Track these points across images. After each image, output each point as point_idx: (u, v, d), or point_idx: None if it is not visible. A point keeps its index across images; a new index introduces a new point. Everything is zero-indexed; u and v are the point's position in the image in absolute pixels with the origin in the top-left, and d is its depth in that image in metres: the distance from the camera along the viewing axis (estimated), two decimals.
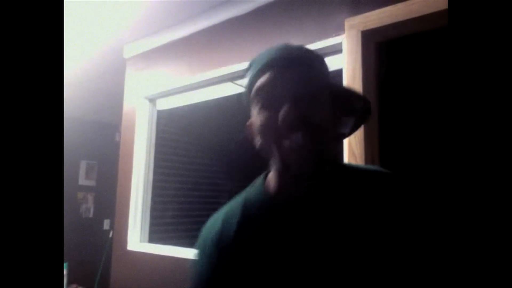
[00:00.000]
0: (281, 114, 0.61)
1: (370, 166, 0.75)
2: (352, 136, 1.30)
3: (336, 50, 1.43)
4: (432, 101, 1.52)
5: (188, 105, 2.22)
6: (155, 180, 2.18)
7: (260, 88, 0.66)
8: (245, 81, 0.74)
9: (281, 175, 0.68)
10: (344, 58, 1.36)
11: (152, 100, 2.17)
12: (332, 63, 1.50)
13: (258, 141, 0.68)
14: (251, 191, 0.74)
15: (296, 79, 0.64)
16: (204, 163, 2.80)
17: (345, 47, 1.36)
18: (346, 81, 1.35)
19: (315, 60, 0.70)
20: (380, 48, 1.39)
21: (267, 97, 0.65)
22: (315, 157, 0.62)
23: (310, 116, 0.62)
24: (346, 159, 1.31)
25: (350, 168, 0.72)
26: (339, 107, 0.69)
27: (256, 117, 0.67)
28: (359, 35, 1.33)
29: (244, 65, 1.69)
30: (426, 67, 1.53)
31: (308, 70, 0.67)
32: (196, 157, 2.81)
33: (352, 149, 1.29)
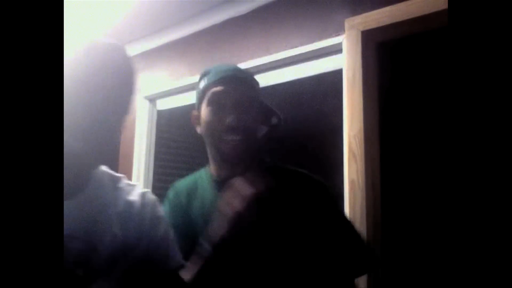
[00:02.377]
0: (228, 119, 0.87)
1: (298, 169, 0.98)
2: (352, 137, 1.30)
3: (336, 50, 1.43)
4: (432, 101, 1.52)
5: (188, 105, 2.22)
6: (155, 180, 2.18)
7: (214, 95, 0.91)
8: (200, 84, 0.97)
9: (219, 163, 0.97)
10: (344, 58, 1.36)
11: (152, 100, 2.17)
12: (332, 63, 1.50)
13: (203, 132, 0.96)
14: (201, 172, 1.06)
15: (240, 94, 0.90)
16: (204, 163, 2.79)
17: (345, 47, 1.36)
18: (346, 81, 1.35)
19: (252, 80, 0.97)
20: (380, 48, 1.39)
21: (218, 103, 0.90)
22: (245, 151, 0.88)
23: (246, 122, 0.88)
24: (346, 159, 1.31)
25: (276, 167, 0.99)
26: (260, 117, 0.96)
27: (206, 115, 0.93)
28: (359, 35, 1.33)
29: (244, 65, 1.69)
30: (426, 67, 1.53)
31: (248, 88, 0.93)
32: (196, 157, 2.81)
33: (352, 149, 1.29)
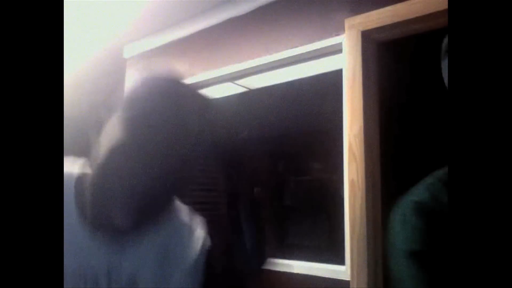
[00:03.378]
0: None
1: None
2: (352, 137, 1.30)
3: (336, 50, 1.43)
4: (432, 101, 1.52)
5: None
6: None
7: None
8: None
9: None
10: (344, 58, 1.36)
11: None
12: (332, 63, 1.50)
13: None
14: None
15: None
16: (204, 163, 2.80)
17: (345, 47, 1.36)
18: (346, 81, 1.35)
19: None
20: (380, 48, 1.39)
21: None
22: None
23: None
24: (346, 159, 1.31)
25: None
26: None
27: None
28: (359, 35, 1.33)
29: (244, 65, 1.69)
30: (426, 67, 1.53)
31: None
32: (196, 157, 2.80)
33: (352, 149, 1.29)
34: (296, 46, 1.52)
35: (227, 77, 1.81)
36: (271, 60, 1.59)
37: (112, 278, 0.58)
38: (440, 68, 0.85)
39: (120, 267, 0.60)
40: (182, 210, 0.73)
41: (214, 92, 2.03)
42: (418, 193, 0.69)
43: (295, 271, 1.43)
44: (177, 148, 0.57)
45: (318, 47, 1.45)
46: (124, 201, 0.55)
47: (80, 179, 0.61)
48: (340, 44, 1.39)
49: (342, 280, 1.29)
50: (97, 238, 0.58)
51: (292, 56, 1.53)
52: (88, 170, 0.61)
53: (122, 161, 0.54)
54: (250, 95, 2.04)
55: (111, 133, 0.56)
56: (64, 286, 0.53)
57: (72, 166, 0.63)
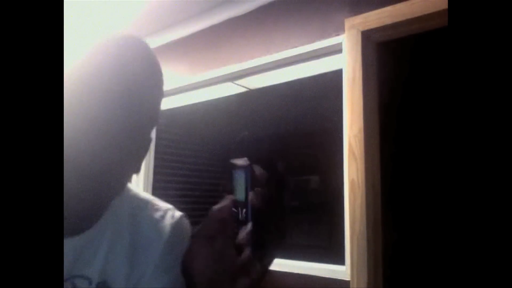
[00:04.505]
0: None
1: None
2: (352, 137, 1.30)
3: (336, 50, 1.43)
4: (432, 101, 1.52)
5: (188, 105, 2.22)
6: (155, 180, 2.18)
7: None
8: None
9: None
10: (344, 58, 1.36)
11: None
12: (332, 63, 1.50)
13: None
14: None
15: None
16: (204, 163, 2.80)
17: (345, 47, 1.36)
18: (346, 81, 1.35)
19: None
20: (380, 48, 1.39)
21: None
22: None
23: None
24: (346, 159, 1.31)
25: None
26: None
27: None
28: (359, 35, 1.33)
29: (244, 65, 1.70)
30: (426, 67, 1.53)
31: None
32: (196, 157, 2.81)
33: (352, 149, 1.29)
34: (296, 46, 1.52)
35: (227, 77, 1.81)
36: (271, 60, 1.59)
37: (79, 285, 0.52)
38: (440, 68, 0.85)
39: (87, 266, 0.53)
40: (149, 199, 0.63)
41: (214, 92, 2.03)
42: None
43: (295, 271, 1.43)
44: (119, 106, 0.48)
45: (318, 47, 1.45)
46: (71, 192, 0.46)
47: None
48: (340, 44, 1.39)
49: (342, 280, 1.29)
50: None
51: (292, 56, 1.53)
52: None
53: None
54: (250, 95, 2.05)
55: None
56: None
57: None
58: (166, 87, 1.94)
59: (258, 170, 0.49)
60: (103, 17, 1.93)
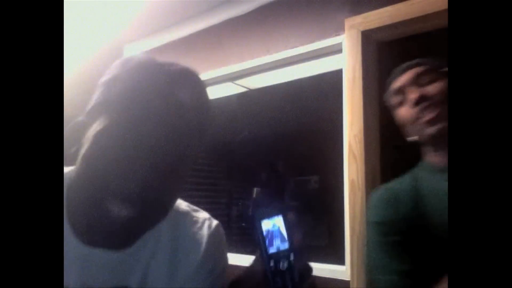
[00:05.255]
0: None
1: None
2: (352, 137, 1.30)
3: (336, 50, 1.43)
4: None
5: None
6: None
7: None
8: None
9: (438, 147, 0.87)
10: (344, 58, 1.36)
11: None
12: (332, 63, 1.50)
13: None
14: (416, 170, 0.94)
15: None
16: (204, 163, 2.80)
17: (345, 47, 1.36)
18: (346, 81, 1.35)
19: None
20: (380, 48, 1.38)
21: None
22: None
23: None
24: (346, 159, 1.31)
25: None
26: None
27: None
28: (359, 35, 1.33)
29: (244, 65, 1.69)
30: None
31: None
32: (196, 157, 2.80)
33: (352, 149, 1.29)
34: (296, 46, 1.52)
35: (227, 77, 1.81)
36: (271, 60, 1.59)
37: None
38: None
39: (129, 277, 0.55)
40: (183, 205, 0.66)
41: (214, 92, 2.03)
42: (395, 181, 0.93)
43: None
44: (171, 134, 0.49)
45: (318, 47, 1.45)
46: (121, 200, 0.47)
47: (69, 189, 0.52)
48: (340, 44, 1.39)
49: (342, 280, 1.29)
50: (97, 253, 0.52)
51: (292, 56, 1.53)
52: (73, 175, 0.52)
53: (108, 153, 0.46)
54: (250, 95, 2.05)
55: (90, 127, 0.49)
56: None
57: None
58: None
59: (291, 215, 0.50)
60: (103, 17, 1.93)
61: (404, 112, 0.91)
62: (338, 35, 1.40)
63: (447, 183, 0.68)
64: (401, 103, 0.92)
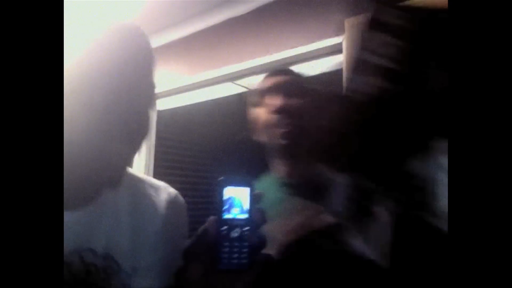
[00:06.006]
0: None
1: None
2: None
3: (336, 50, 1.43)
4: (432, 101, 1.52)
5: (188, 105, 2.22)
6: None
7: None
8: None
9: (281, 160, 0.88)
10: (344, 58, 1.36)
11: None
12: (332, 63, 1.50)
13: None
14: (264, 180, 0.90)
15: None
16: (204, 163, 2.80)
17: (345, 47, 1.36)
18: (346, 81, 1.34)
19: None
20: None
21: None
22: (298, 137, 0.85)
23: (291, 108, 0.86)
24: None
25: None
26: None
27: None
28: (359, 35, 1.32)
29: (244, 65, 1.69)
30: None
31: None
32: (196, 157, 2.81)
33: None
34: (296, 46, 1.52)
35: (227, 77, 1.81)
36: (271, 60, 1.59)
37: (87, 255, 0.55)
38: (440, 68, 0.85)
39: (92, 239, 0.56)
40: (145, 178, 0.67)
41: (214, 92, 2.03)
42: None
43: None
44: (122, 90, 0.51)
45: (318, 47, 1.45)
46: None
47: None
48: (340, 44, 1.39)
49: None
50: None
51: (292, 56, 1.53)
52: None
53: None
54: None
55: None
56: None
57: None
58: (166, 87, 1.93)
59: (259, 192, 0.52)
60: (103, 17, 1.93)
61: (261, 115, 0.89)
62: (338, 35, 1.40)
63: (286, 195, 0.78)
64: (260, 104, 0.90)
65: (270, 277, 0.62)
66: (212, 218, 0.51)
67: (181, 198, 0.69)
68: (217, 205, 0.50)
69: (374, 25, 0.71)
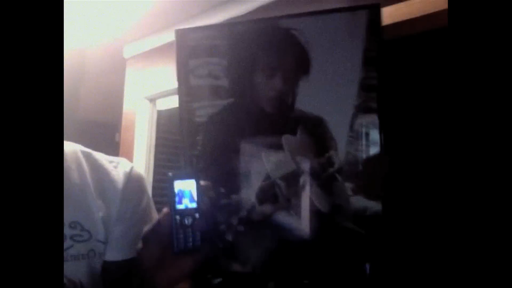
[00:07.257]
0: None
1: None
2: None
3: None
4: (432, 101, 1.52)
5: None
6: (155, 181, 2.18)
7: None
8: None
9: None
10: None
11: (152, 100, 2.17)
12: None
13: None
14: None
15: None
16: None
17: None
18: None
19: None
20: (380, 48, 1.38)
21: None
22: None
23: None
24: None
25: None
26: None
27: None
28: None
29: None
30: (426, 67, 1.52)
31: None
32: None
33: None
34: None
35: None
36: None
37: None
38: (441, 68, 0.85)
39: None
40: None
41: None
42: None
43: None
44: None
45: None
46: None
47: None
48: None
49: None
50: None
51: None
52: None
53: None
54: None
55: None
56: None
57: None
58: (166, 87, 1.93)
59: (202, 182, 0.59)
60: (103, 17, 1.93)
61: None
62: None
63: None
64: None
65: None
66: (165, 209, 0.58)
67: (137, 172, 0.75)
68: (169, 198, 0.57)
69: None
